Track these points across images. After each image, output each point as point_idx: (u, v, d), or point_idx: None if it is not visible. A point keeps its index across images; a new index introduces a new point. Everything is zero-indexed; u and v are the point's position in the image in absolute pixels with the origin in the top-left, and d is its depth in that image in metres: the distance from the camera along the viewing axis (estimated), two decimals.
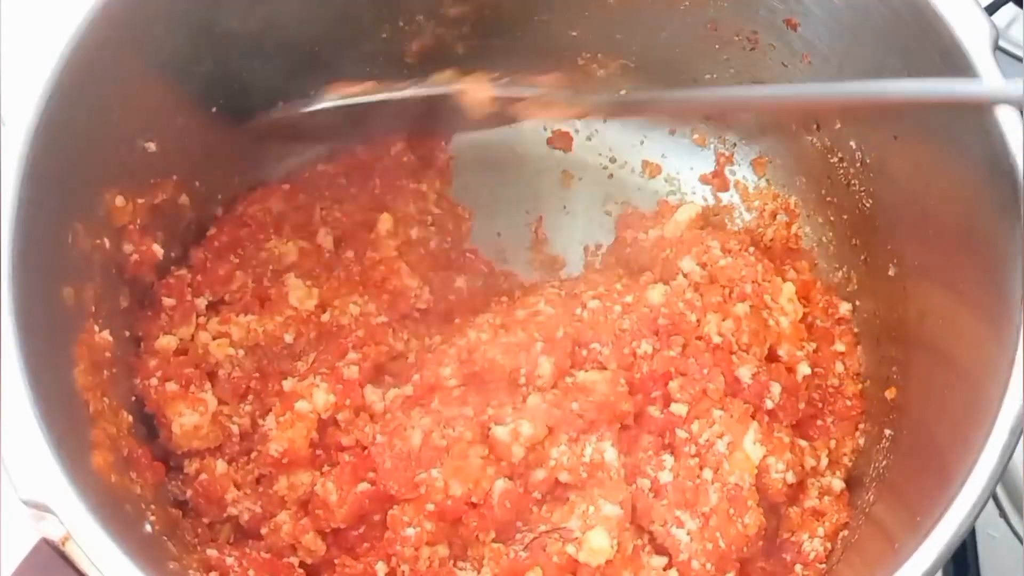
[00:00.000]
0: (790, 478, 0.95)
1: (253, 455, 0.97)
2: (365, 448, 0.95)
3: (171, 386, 0.94)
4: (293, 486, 0.95)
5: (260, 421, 0.97)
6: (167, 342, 0.96)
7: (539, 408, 0.93)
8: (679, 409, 0.94)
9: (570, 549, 0.88)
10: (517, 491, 0.92)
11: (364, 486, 0.93)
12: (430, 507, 0.91)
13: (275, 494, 0.95)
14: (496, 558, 0.90)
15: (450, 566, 0.92)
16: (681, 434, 0.94)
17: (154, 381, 0.94)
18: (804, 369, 1.00)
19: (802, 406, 0.99)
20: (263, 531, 0.93)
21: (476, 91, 1.01)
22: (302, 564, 0.93)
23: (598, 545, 0.88)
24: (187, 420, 0.93)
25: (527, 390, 0.95)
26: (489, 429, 0.93)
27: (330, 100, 1.02)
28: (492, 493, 0.91)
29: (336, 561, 0.92)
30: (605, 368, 0.95)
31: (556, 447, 0.93)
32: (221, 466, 0.95)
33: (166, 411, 0.93)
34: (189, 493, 0.94)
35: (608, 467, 0.93)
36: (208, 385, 0.96)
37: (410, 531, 0.91)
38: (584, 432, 0.94)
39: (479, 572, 0.91)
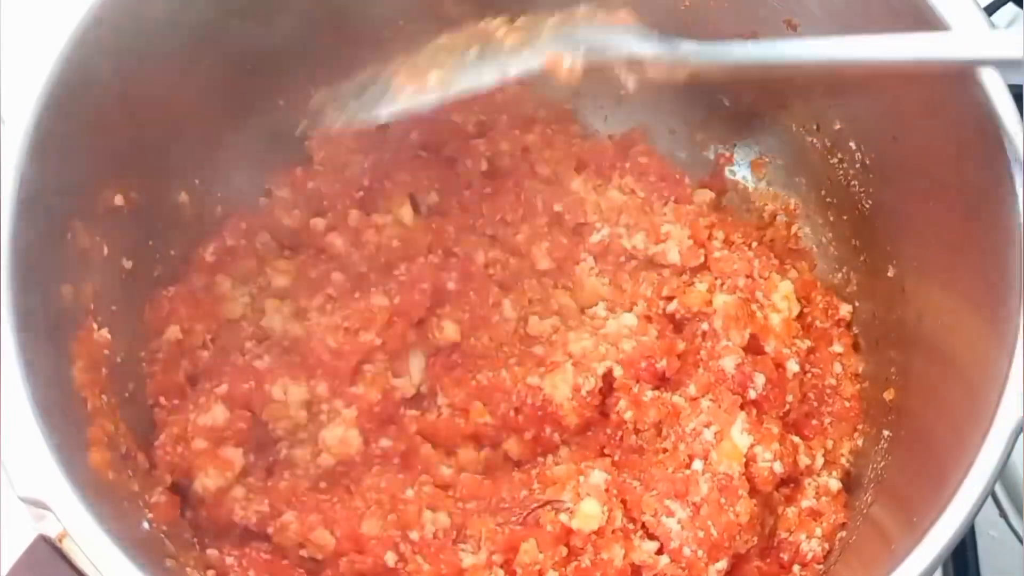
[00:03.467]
0: (778, 468, 0.95)
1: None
2: None
3: (198, 443, 0.93)
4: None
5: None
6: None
7: None
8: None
9: (563, 518, 0.91)
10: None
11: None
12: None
13: (283, 490, 0.94)
14: (492, 536, 0.91)
15: (452, 547, 0.92)
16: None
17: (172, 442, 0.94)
18: (792, 367, 1.01)
19: (790, 399, 1.00)
20: (269, 530, 0.93)
21: (560, 66, 0.90)
22: (306, 561, 0.93)
23: (590, 511, 0.90)
24: (211, 482, 0.93)
25: None
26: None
27: (403, 102, 0.91)
28: None
29: (344, 559, 0.92)
30: None
31: None
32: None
33: (190, 473, 0.93)
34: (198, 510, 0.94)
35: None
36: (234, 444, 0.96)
37: (409, 492, 0.93)
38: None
39: (478, 552, 0.92)
